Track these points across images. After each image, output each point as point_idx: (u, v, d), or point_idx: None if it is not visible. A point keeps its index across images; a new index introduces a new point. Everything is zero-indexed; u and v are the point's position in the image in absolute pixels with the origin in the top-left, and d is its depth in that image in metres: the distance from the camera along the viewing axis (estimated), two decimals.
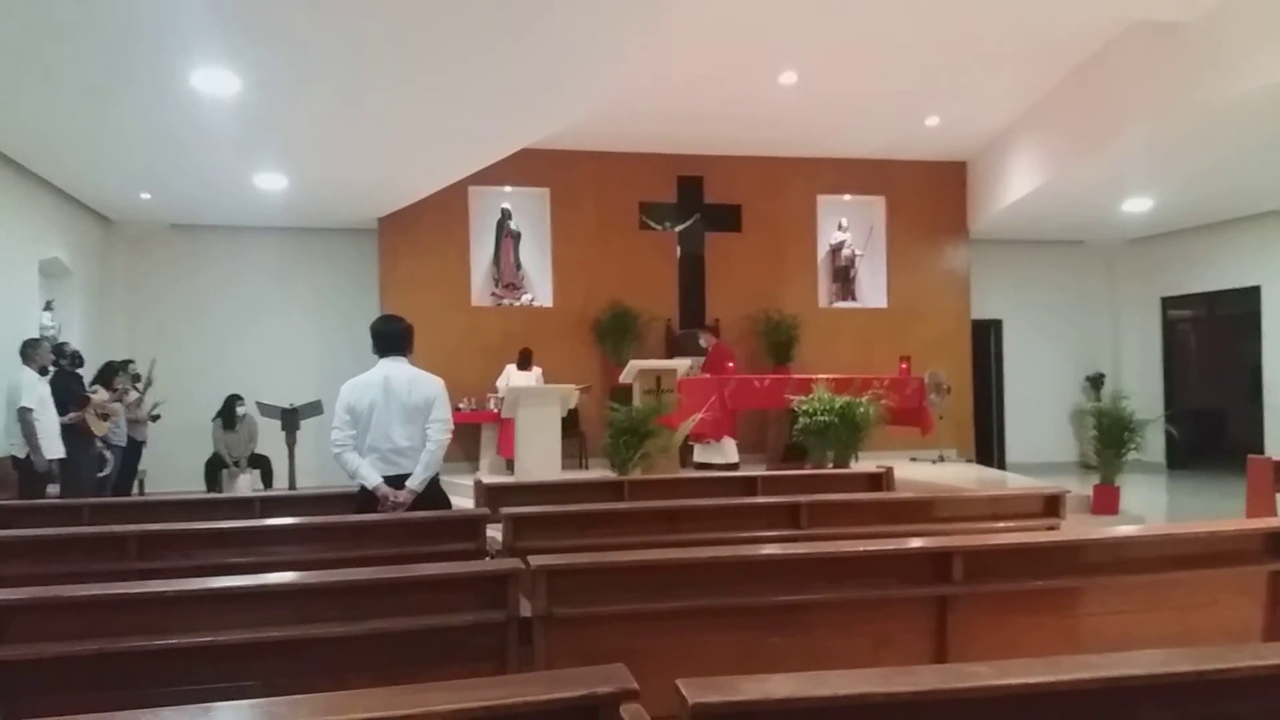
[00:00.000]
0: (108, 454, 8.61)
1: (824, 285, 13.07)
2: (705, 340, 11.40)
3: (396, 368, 4.83)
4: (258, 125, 8.05)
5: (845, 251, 13.04)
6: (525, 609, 2.92)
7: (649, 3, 6.76)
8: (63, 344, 8.56)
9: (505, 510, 4.37)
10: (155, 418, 10.01)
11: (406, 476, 4.71)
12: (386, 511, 4.61)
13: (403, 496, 4.68)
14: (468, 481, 7.17)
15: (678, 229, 12.39)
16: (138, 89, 7.05)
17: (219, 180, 9.89)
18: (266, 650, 2.68)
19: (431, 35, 6.55)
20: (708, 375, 10.62)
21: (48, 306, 9.78)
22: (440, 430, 4.78)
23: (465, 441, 11.16)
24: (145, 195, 10.55)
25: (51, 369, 8.14)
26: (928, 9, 8.41)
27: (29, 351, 7.63)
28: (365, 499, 4.74)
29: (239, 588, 2.80)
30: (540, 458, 9.40)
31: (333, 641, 2.74)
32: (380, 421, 4.70)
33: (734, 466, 10.62)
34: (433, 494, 4.83)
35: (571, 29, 6.92)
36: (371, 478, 4.67)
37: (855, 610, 3.13)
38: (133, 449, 9.51)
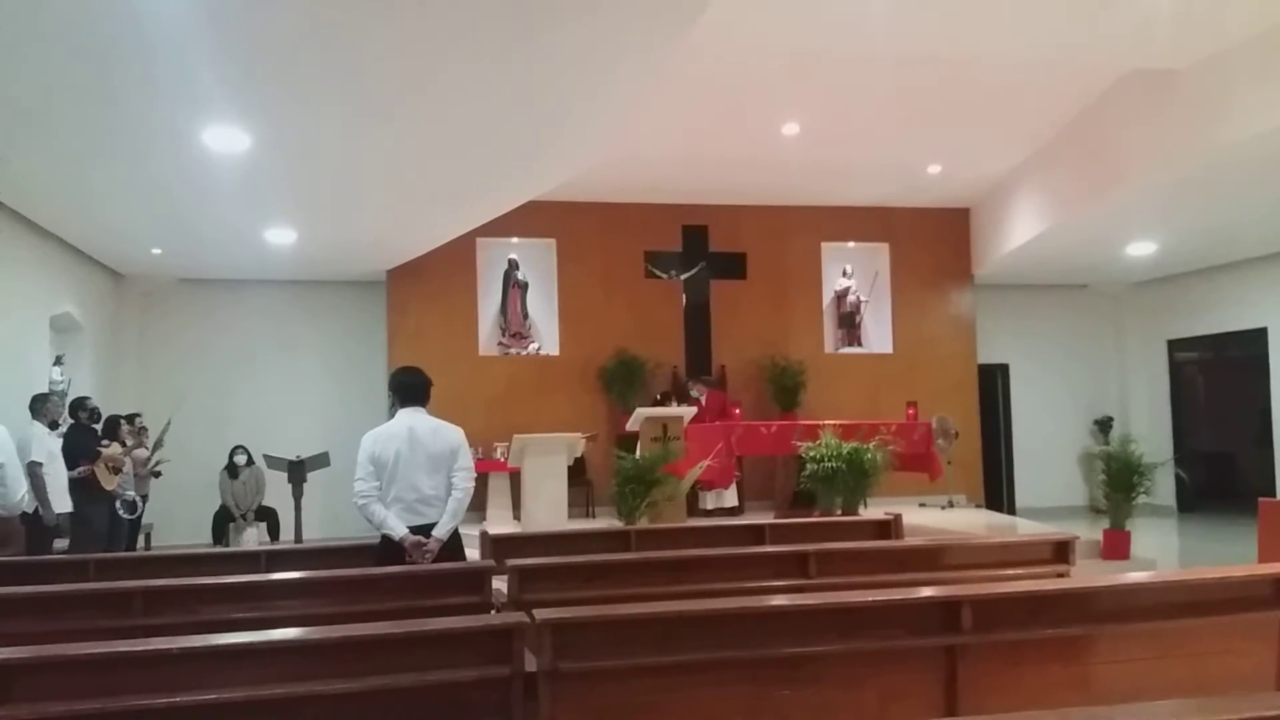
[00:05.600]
0: (120, 508, 8.61)
1: (829, 331, 13.09)
2: (697, 390, 11.40)
3: (418, 418, 4.86)
4: (268, 181, 8.15)
5: (850, 298, 13.08)
6: (530, 664, 2.90)
7: (652, 57, 6.86)
8: (84, 398, 8.59)
9: (510, 562, 4.36)
10: (157, 474, 10.01)
11: (430, 526, 4.73)
12: (414, 562, 4.61)
13: (431, 545, 4.68)
14: (474, 532, 7.14)
15: (683, 277, 12.45)
16: (149, 146, 7.15)
17: (229, 235, 9.99)
18: (270, 707, 2.66)
19: (438, 93, 6.65)
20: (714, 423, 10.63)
21: (57, 361, 9.83)
22: (466, 478, 4.83)
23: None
24: (156, 250, 10.66)
25: (68, 423, 8.18)
26: (927, 59, 8.51)
27: (38, 406, 7.65)
28: (387, 550, 4.74)
29: (242, 644, 2.79)
30: (546, 507, 9.37)
31: (336, 698, 2.72)
32: (406, 471, 4.72)
33: (736, 511, 10.61)
34: (453, 543, 4.84)
35: (577, 84, 7.02)
36: (399, 528, 4.68)
37: (864, 661, 3.10)
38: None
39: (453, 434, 4.88)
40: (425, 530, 4.71)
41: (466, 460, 4.86)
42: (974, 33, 7.87)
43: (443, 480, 4.79)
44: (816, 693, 3.02)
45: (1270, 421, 12.06)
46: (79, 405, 8.40)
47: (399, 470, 4.72)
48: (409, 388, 4.95)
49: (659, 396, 11.38)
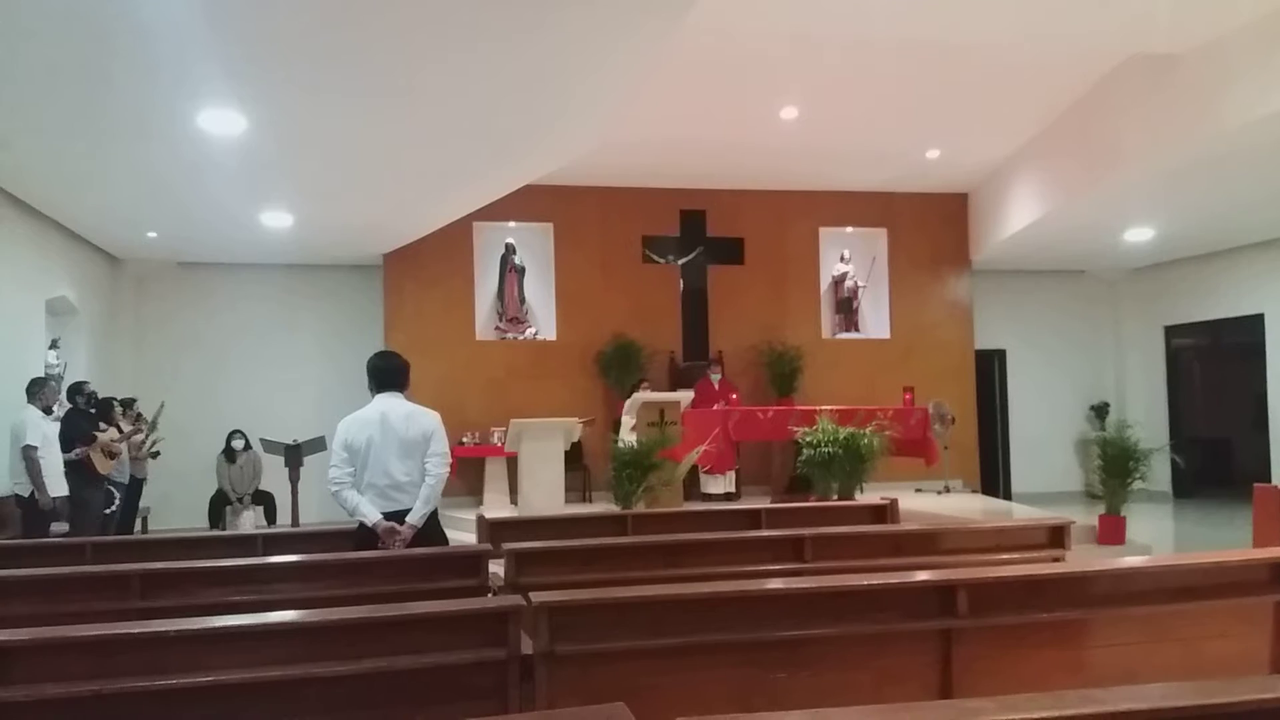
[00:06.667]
0: (114, 491, 8.62)
1: (827, 317, 13.08)
2: (716, 374, 11.48)
3: (393, 403, 4.82)
4: (264, 164, 8.12)
5: (848, 283, 13.07)
6: (527, 646, 2.90)
7: (649, 42, 6.83)
8: (81, 383, 8.60)
9: (507, 546, 4.37)
10: (155, 454, 10.01)
11: (405, 512, 4.69)
12: (387, 548, 4.60)
13: (404, 532, 4.66)
14: (470, 516, 7.16)
15: (681, 262, 12.44)
16: (145, 129, 7.12)
17: (226, 219, 9.96)
18: (267, 690, 2.67)
19: (435, 76, 6.62)
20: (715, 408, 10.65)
21: (53, 345, 9.82)
22: (439, 464, 4.76)
23: (469, 476, 11.15)
24: (152, 234, 10.63)
25: (64, 406, 8.18)
26: (927, 44, 8.49)
27: (35, 390, 7.66)
28: (364, 536, 4.72)
29: (239, 627, 2.79)
30: (543, 491, 9.39)
31: (333, 680, 2.72)
32: (378, 457, 4.68)
33: (733, 496, 10.62)
34: (430, 529, 4.80)
35: (574, 68, 6.99)
36: (371, 514, 4.65)
37: (859, 645, 3.11)
38: (134, 486, 9.51)
39: (427, 420, 4.82)
40: (399, 517, 4.67)
41: (440, 446, 4.78)
42: (974, 17, 7.85)
43: (416, 466, 4.73)
44: (812, 676, 3.03)
45: (1266, 407, 12.09)
46: (76, 390, 8.39)
47: (371, 456, 4.68)
48: (383, 372, 4.91)
49: (631, 388, 10.91)
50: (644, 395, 9.99)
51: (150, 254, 11.69)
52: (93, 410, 8.47)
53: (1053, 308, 14.06)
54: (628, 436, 9.12)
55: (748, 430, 10.13)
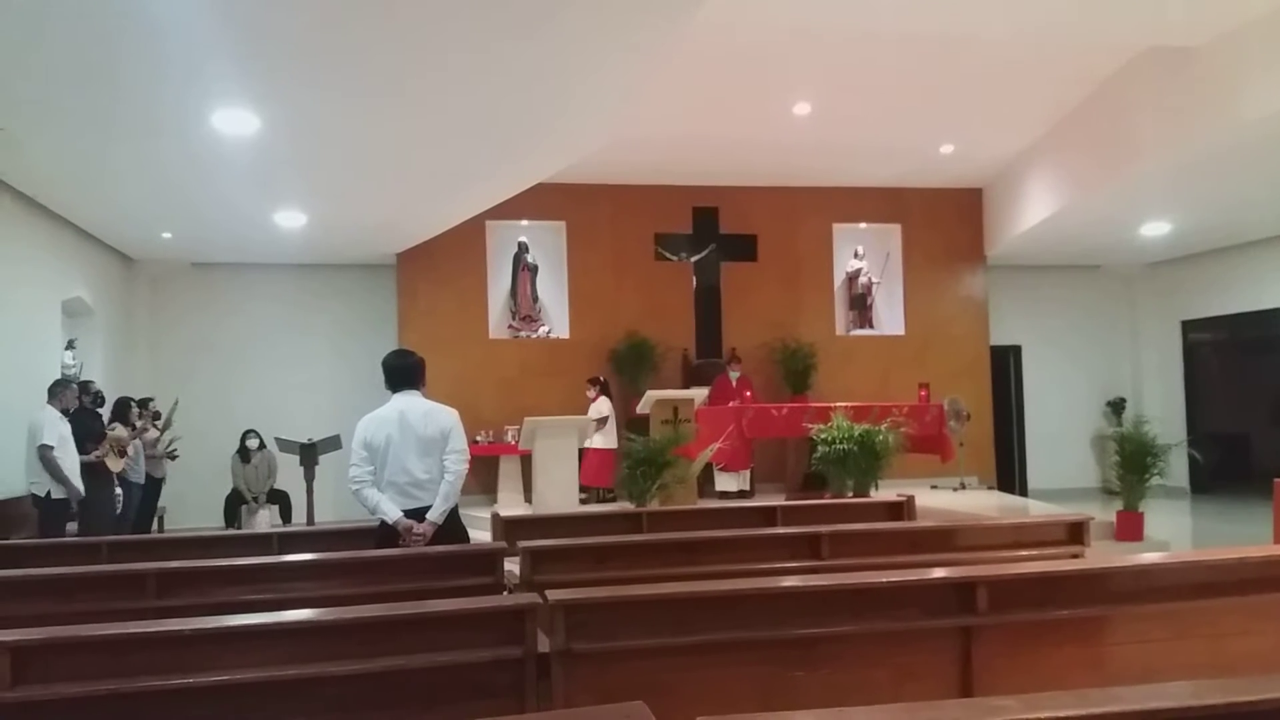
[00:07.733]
0: (118, 491, 8.65)
1: (841, 313, 13.04)
2: (736, 371, 11.45)
3: (411, 401, 4.82)
4: (277, 164, 8.13)
5: (862, 279, 13.02)
6: (543, 644, 2.89)
7: (659, 40, 6.80)
8: (87, 382, 8.65)
9: (522, 544, 4.35)
10: (173, 456, 10.05)
11: (426, 509, 4.70)
12: (408, 545, 4.60)
13: (425, 529, 4.66)
14: (485, 515, 7.16)
15: (693, 259, 12.41)
16: (159, 129, 7.14)
17: (239, 219, 9.99)
18: (283, 689, 2.66)
19: (445, 75, 6.62)
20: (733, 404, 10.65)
21: (69, 345, 9.87)
22: (458, 461, 4.77)
23: (483, 475, 11.15)
24: (166, 234, 10.67)
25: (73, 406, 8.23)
26: (940, 38, 8.44)
27: (56, 390, 7.70)
28: (385, 534, 4.73)
29: (255, 626, 2.79)
30: (558, 489, 9.38)
31: (349, 679, 2.72)
32: (397, 455, 4.69)
33: (747, 494, 10.60)
34: (452, 526, 4.81)
35: (585, 64, 6.98)
36: (392, 512, 4.66)
37: (878, 642, 3.09)
38: (152, 486, 9.55)
39: (445, 417, 4.83)
40: (419, 514, 4.68)
41: (459, 443, 4.80)
42: (988, 10, 7.79)
43: (435, 463, 4.74)
44: (830, 674, 3.01)
45: None
46: (82, 389, 8.44)
47: (390, 454, 4.69)
48: (398, 370, 4.93)
49: (589, 386, 10.94)
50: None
51: (165, 255, 11.74)
52: (99, 409, 8.52)
53: (1068, 303, 13.97)
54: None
55: (762, 427, 10.10)
